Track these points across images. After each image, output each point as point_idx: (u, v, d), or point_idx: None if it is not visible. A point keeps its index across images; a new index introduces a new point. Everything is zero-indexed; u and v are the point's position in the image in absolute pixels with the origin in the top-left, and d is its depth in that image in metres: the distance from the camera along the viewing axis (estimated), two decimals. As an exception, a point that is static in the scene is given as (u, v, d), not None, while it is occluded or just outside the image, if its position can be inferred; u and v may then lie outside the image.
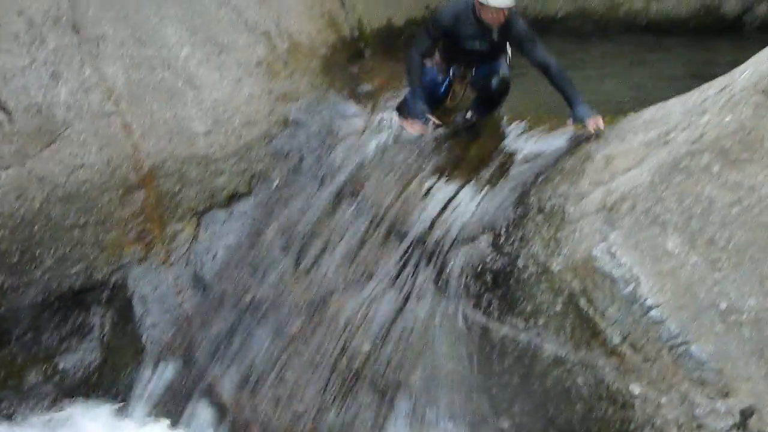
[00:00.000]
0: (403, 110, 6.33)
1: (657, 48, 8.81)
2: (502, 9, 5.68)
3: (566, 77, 5.68)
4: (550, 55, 5.73)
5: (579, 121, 5.48)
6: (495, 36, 5.88)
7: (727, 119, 4.53)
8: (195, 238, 6.05)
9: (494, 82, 6.09)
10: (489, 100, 6.21)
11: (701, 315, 4.30)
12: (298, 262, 5.78)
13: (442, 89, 6.27)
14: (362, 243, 5.66)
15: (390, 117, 6.40)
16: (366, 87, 6.98)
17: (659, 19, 9.27)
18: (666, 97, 5.55)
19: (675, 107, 5.31)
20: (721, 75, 5.21)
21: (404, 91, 6.59)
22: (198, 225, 6.08)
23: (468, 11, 5.82)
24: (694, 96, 5.27)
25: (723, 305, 4.27)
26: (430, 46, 6.00)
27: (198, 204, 6.10)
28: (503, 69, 6.15)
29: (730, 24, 9.51)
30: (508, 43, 6.02)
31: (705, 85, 5.29)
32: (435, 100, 6.21)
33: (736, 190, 4.39)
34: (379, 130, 6.31)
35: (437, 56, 6.21)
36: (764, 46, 4.97)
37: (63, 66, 5.94)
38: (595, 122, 5.41)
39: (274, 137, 6.31)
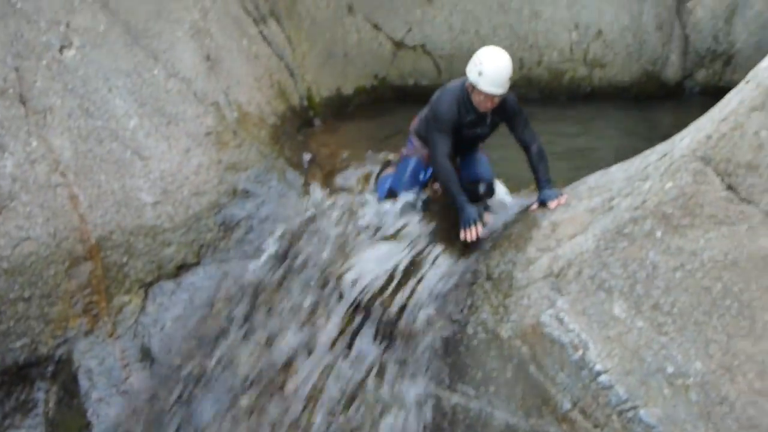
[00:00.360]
0: (391, 195, 6.17)
1: (599, 114, 9.01)
2: (493, 96, 5.62)
3: (544, 159, 5.73)
4: (535, 135, 5.79)
5: (543, 203, 5.52)
6: (489, 119, 5.84)
7: (668, 185, 4.64)
8: (142, 310, 5.97)
9: (482, 188, 6.05)
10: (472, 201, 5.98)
11: (649, 379, 4.35)
12: (248, 333, 5.73)
13: (423, 177, 6.21)
14: (313, 313, 5.63)
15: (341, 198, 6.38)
16: (315, 156, 7.02)
17: (603, 86, 9.49)
18: (608, 163, 5.69)
19: (618, 174, 5.43)
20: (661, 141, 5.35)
21: (351, 163, 6.67)
22: (146, 297, 6.00)
23: (465, 97, 5.74)
24: (636, 162, 5.39)
25: (670, 369, 4.33)
26: (449, 143, 5.70)
27: (146, 275, 6.04)
28: (487, 172, 6.08)
29: (672, 90, 9.76)
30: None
31: (647, 152, 5.42)
32: (416, 186, 6.14)
33: (678, 255, 4.48)
34: (328, 200, 6.32)
35: (420, 146, 6.14)
36: (704, 111, 5.11)
37: (9, 138, 5.89)
38: (557, 201, 5.44)
39: (223, 207, 6.30)
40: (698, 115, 5.14)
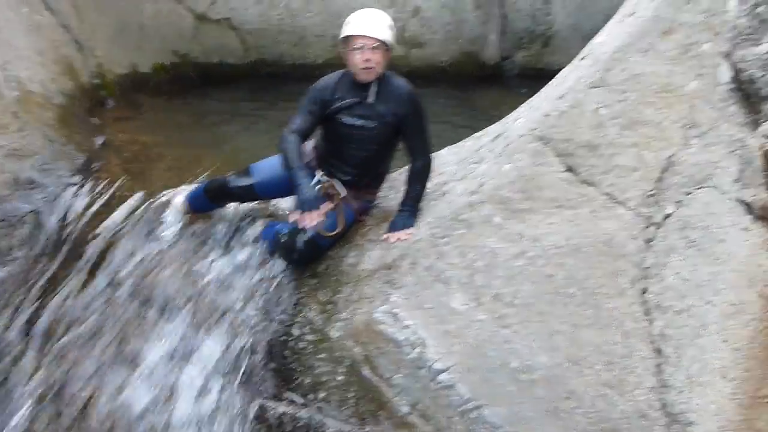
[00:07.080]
0: (196, 205, 5.49)
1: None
2: (362, 39, 4.76)
3: (422, 182, 4.97)
4: (427, 151, 5.01)
5: (389, 228, 4.94)
6: (375, 105, 4.91)
7: (505, 167, 4.59)
8: None
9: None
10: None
11: (492, 376, 4.29)
12: (43, 347, 5.17)
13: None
14: (122, 321, 5.14)
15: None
16: (110, 140, 6.59)
17: (421, 67, 9.49)
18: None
19: (449, 156, 5.37)
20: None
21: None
22: None
23: (347, 73, 4.94)
24: (468, 144, 5.35)
25: (514, 364, 4.28)
26: (306, 120, 4.86)
27: None
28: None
29: (491, 71, 9.92)
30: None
31: (477, 134, 5.39)
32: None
33: (519, 241, 4.44)
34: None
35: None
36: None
37: None
38: (398, 236, 4.83)
39: (4, 200, 5.73)
40: (517, 98, 5.12)
